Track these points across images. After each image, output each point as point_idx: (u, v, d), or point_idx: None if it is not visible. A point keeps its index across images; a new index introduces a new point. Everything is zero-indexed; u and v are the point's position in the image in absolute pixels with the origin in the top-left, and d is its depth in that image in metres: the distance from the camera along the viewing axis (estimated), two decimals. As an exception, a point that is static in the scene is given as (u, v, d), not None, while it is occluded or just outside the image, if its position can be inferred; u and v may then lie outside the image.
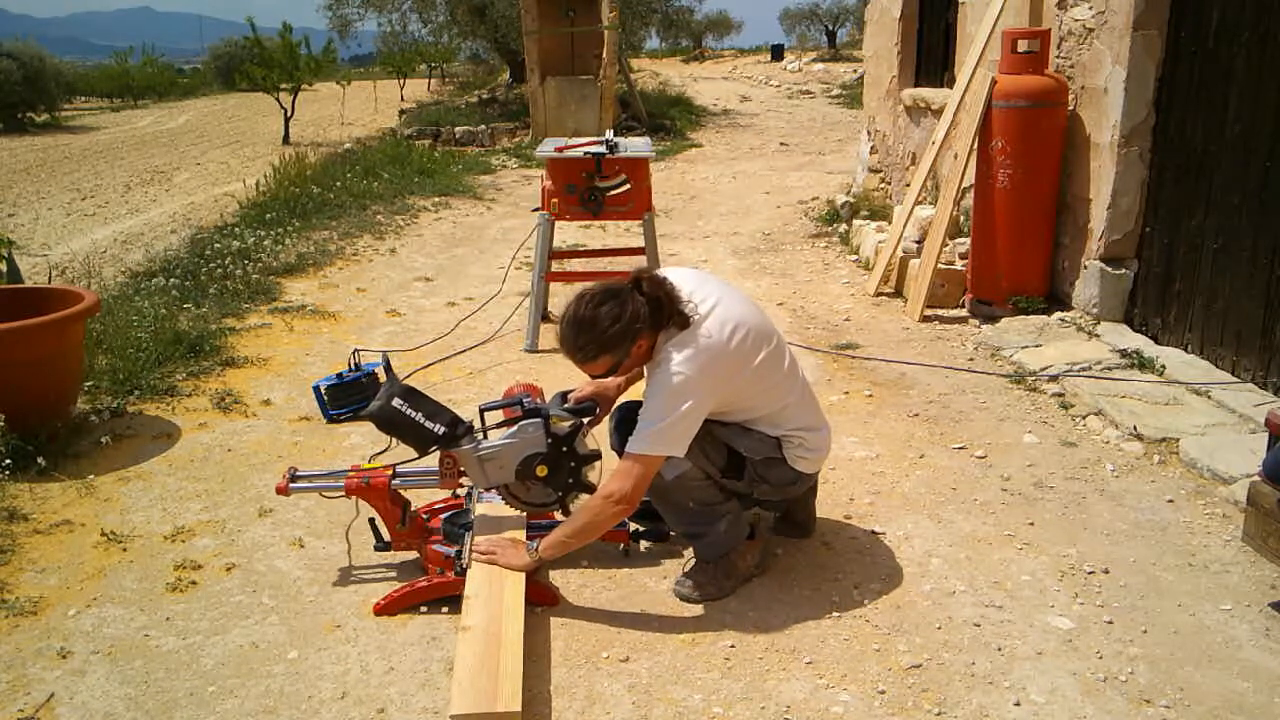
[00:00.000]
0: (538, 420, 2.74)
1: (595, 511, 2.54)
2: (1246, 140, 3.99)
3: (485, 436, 2.79)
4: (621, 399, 2.96)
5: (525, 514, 2.89)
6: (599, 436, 2.89)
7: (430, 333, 5.20)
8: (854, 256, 6.74)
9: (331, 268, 6.60)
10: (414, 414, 2.69)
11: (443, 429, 2.71)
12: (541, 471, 2.76)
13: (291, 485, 2.85)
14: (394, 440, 2.79)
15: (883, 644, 2.50)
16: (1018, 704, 2.26)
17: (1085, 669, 2.38)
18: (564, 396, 2.86)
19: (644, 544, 2.99)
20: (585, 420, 2.80)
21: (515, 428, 2.76)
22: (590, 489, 2.86)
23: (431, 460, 2.81)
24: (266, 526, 3.16)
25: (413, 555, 2.88)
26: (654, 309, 2.50)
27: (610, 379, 2.86)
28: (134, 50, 31.91)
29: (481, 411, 2.82)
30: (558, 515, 2.91)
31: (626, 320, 2.46)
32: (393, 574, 2.86)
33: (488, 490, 2.86)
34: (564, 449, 2.76)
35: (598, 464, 2.85)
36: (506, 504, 2.86)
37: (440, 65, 27.58)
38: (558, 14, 14.08)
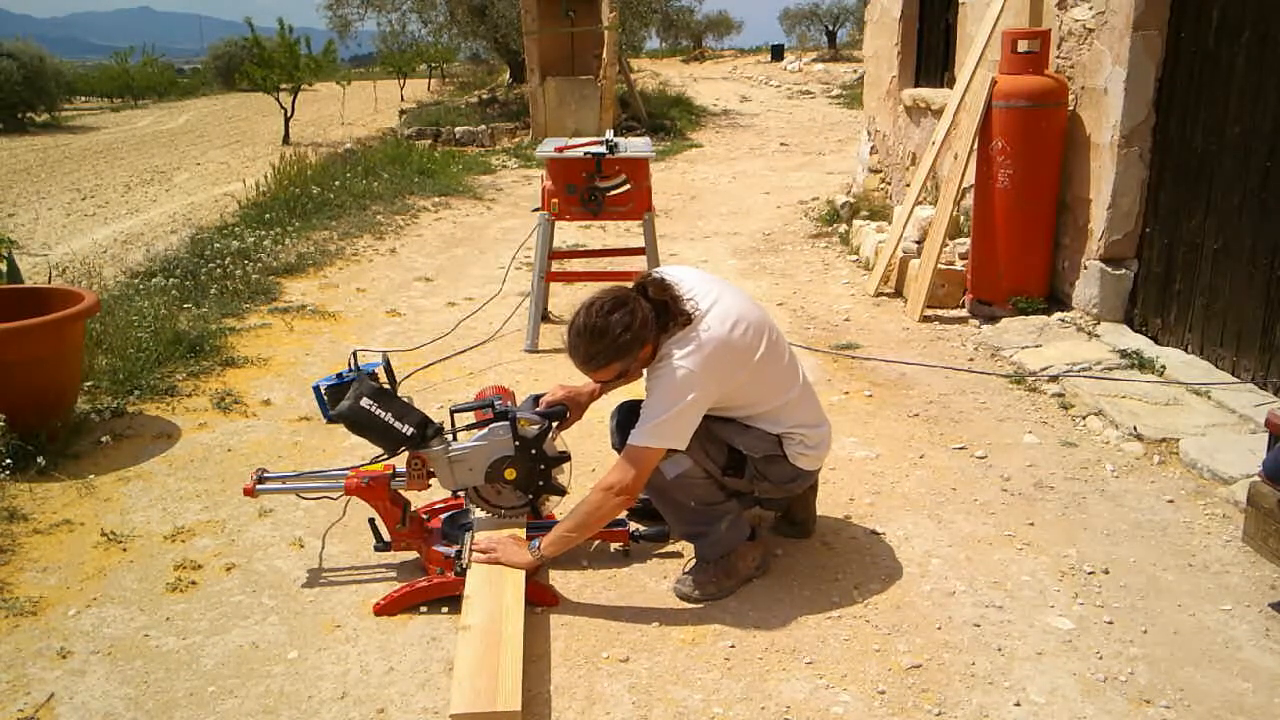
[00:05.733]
0: (506, 423, 2.74)
1: (596, 504, 2.55)
2: (1246, 141, 3.99)
3: (455, 438, 2.78)
4: (621, 398, 2.97)
5: (525, 514, 2.89)
6: (581, 439, 2.89)
7: (430, 333, 5.20)
8: (854, 257, 6.74)
9: (331, 268, 6.60)
10: (383, 414, 2.68)
11: (411, 430, 2.71)
12: (510, 474, 2.76)
13: (259, 487, 2.84)
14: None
15: (883, 644, 2.50)
16: (1018, 704, 2.26)
17: (1085, 669, 2.38)
18: (535, 400, 2.86)
19: (644, 544, 2.99)
20: (554, 423, 2.80)
21: (485, 430, 2.76)
22: (560, 491, 2.87)
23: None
24: (266, 526, 3.15)
25: (413, 555, 2.88)
26: (659, 313, 2.51)
27: (584, 385, 2.87)
28: (134, 50, 31.93)
29: (452, 413, 2.82)
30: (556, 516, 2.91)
31: (636, 328, 2.46)
32: (393, 574, 2.86)
33: (455, 492, 2.86)
34: (532, 451, 2.76)
35: (567, 466, 2.85)
36: (477, 507, 2.86)
37: (440, 65, 27.60)
38: (558, 14, 14.09)
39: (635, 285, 2.56)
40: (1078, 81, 4.89)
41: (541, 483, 2.81)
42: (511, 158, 12.41)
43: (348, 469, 2.87)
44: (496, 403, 2.79)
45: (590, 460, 3.51)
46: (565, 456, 2.84)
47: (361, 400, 2.67)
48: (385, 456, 2.79)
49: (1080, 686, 2.32)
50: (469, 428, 2.83)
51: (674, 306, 2.51)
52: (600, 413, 3.17)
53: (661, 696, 2.31)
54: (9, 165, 13.72)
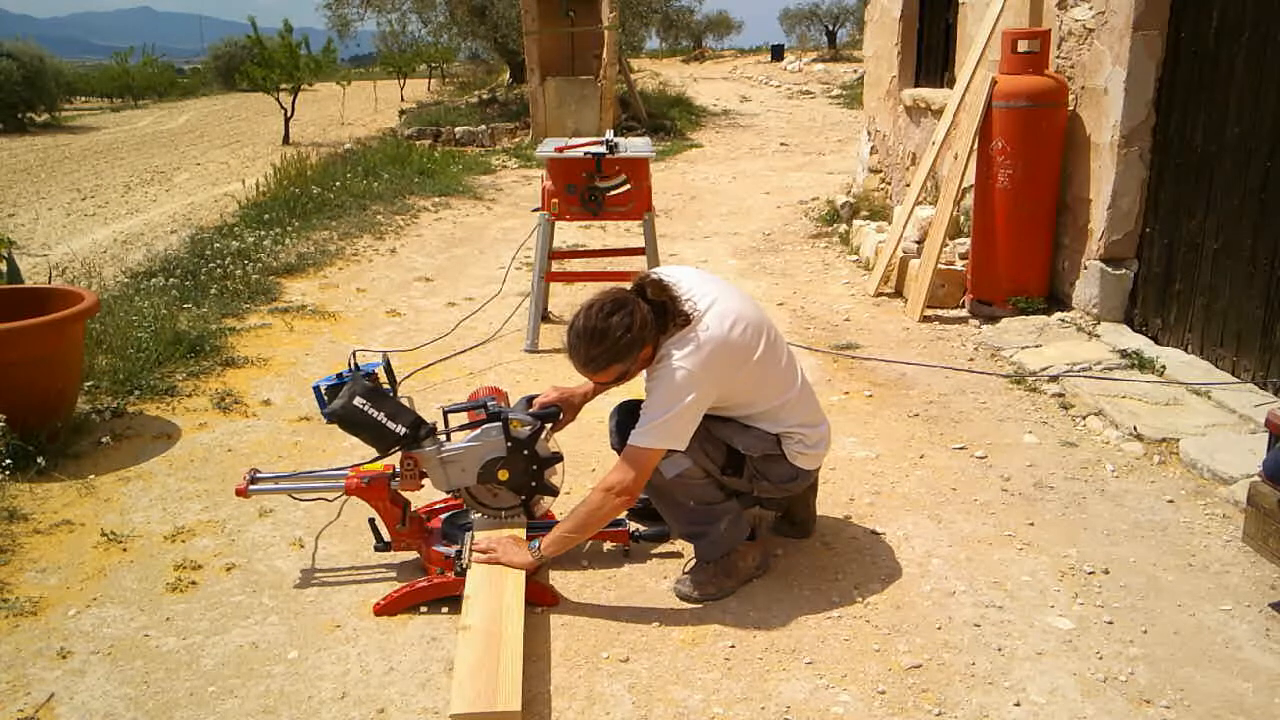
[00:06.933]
0: (498, 424, 2.74)
1: (596, 505, 2.55)
2: (1246, 140, 3.99)
3: (448, 439, 2.79)
4: (620, 399, 2.97)
5: (519, 514, 2.89)
6: (581, 440, 2.88)
7: (430, 333, 5.20)
8: (854, 257, 6.74)
9: (331, 268, 6.60)
10: (376, 414, 2.69)
11: (404, 430, 2.71)
12: (503, 475, 2.76)
13: (251, 488, 2.84)
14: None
15: (883, 644, 2.50)
16: (1018, 704, 2.26)
17: (1085, 669, 2.38)
18: (529, 401, 2.86)
19: (644, 544, 2.99)
20: (547, 424, 2.80)
21: (477, 431, 2.76)
22: (553, 491, 2.87)
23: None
24: (266, 526, 3.15)
25: (413, 555, 2.88)
26: (659, 314, 2.50)
27: (578, 386, 2.87)
28: (134, 50, 31.94)
29: (445, 414, 2.82)
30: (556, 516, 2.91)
31: (636, 329, 2.46)
32: (393, 574, 2.86)
33: (449, 493, 2.86)
34: (524, 452, 2.77)
35: (559, 466, 2.85)
36: (469, 508, 2.86)
37: (440, 65, 27.60)
38: (558, 14, 14.08)
39: (634, 286, 2.56)
40: (1078, 81, 4.89)
41: (534, 484, 2.82)
42: (511, 158, 12.41)
43: (341, 469, 2.88)
44: (489, 404, 2.80)
45: (590, 461, 3.52)
46: (558, 457, 2.84)
47: (355, 399, 2.68)
48: (378, 456, 2.80)
49: (1080, 686, 2.32)
50: (462, 428, 2.83)
51: (673, 307, 2.51)
52: (600, 413, 3.17)
53: (661, 696, 2.31)
54: (9, 165, 13.72)
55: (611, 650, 2.48)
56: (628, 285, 2.59)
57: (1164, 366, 4.19)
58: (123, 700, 2.32)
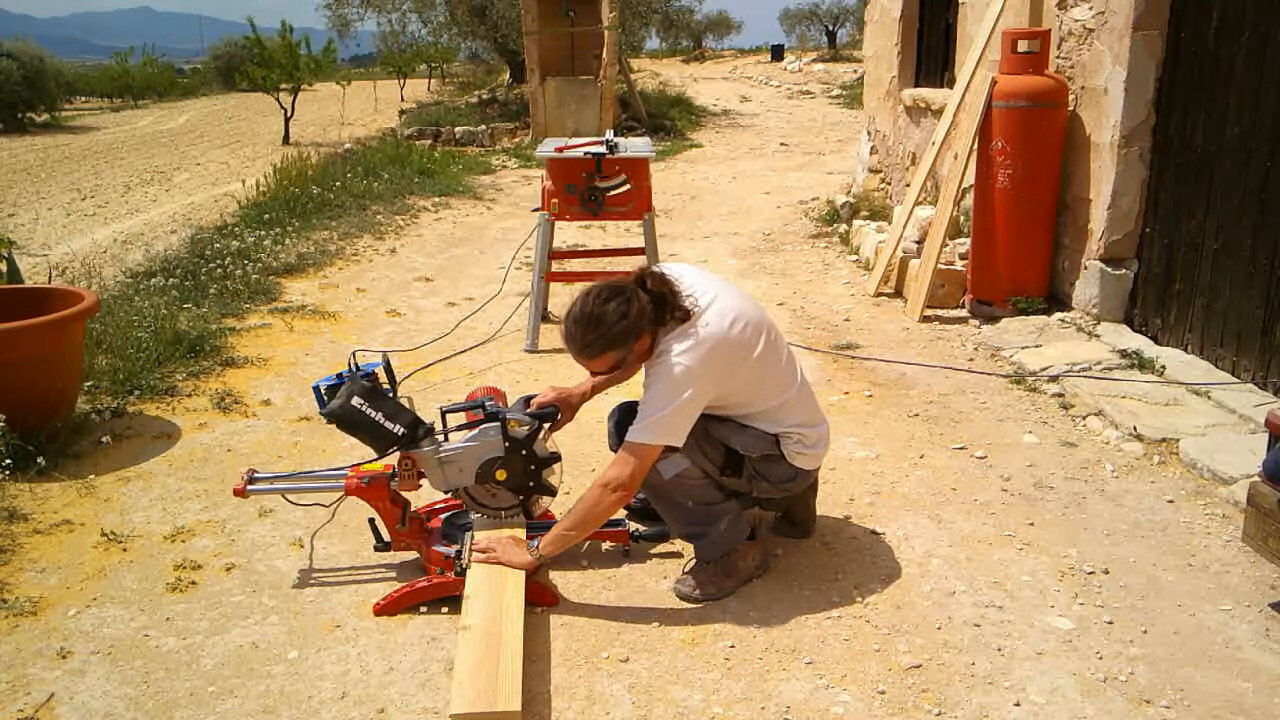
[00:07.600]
0: (496, 424, 2.74)
1: (594, 501, 2.54)
2: (1246, 140, 3.99)
3: (446, 439, 2.79)
4: (620, 399, 2.97)
5: (517, 514, 2.89)
6: (581, 440, 2.88)
7: (430, 333, 5.20)
8: (854, 257, 6.74)
9: (331, 268, 6.60)
10: (374, 414, 2.69)
11: (402, 430, 2.71)
12: (501, 475, 2.77)
13: (249, 488, 2.84)
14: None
15: (883, 644, 2.50)
16: (1018, 704, 2.26)
17: (1085, 669, 2.38)
18: (527, 401, 2.86)
19: (644, 544, 2.99)
20: (545, 424, 2.81)
21: (475, 431, 2.76)
22: (551, 491, 2.87)
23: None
24: (266, 526, 3.15)
25: (413, 555, 2.88)
26: (657, 305, 2.51)
27: (576, 387, 2.87)
28: (134, 50, 31.95)
29: (443, 414, 2.82)
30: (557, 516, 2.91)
31: (632, 317, 2.46)
32: (393, 574, 2.86)
33: (447, 493, 2.87)
34: (522, 452, 2.77)
35: (558, 466, 2.86)
36: (468, 508, 2.87)
37: (440, 65, 27.61)
38: (558, 14, 14.08)
39: (634, 278, 2.57)
40: (1078, 81, 4.89)
41: (532, 484, 2.82)
42: (511, 158, 12.41)
43: (340, 469, 2.88)
44: (487, 404, 2.80)
45: (589, 461, 3.51)
46: (555, 457, 2.84)
47: (352, 399, 2.68)
48: (377, 456, 2.80)
49: (1080, 686, 2.32)
50: (460, 428, 2.83)
51: (672, 300, 2.51)
52: (599, 413, 3.17)
53: (661, 696, 2.31)
54: (9, 165, 13.72)
55: (611, 650, 2.48)
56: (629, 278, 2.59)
57: (1164, 366, 4.19)
58: (123, 700, 2.32)
